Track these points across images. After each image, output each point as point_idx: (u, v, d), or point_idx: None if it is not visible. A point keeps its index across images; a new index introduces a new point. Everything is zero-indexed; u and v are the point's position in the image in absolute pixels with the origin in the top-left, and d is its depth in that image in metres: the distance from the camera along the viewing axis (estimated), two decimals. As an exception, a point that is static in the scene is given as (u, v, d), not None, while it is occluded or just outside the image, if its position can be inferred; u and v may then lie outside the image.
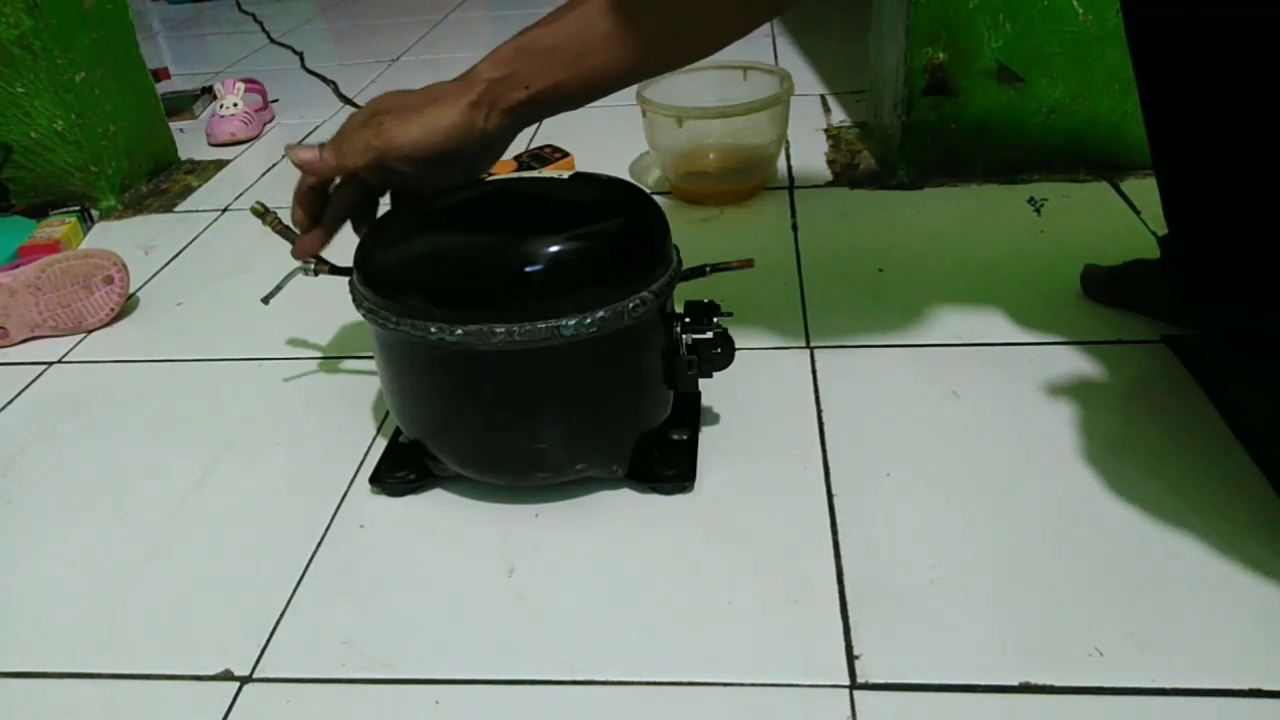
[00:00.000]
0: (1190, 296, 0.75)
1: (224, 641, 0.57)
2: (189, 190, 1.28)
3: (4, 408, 0.84)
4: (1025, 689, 0.50)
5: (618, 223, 0.61)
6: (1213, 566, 0.56)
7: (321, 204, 0.65)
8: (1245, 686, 0.49)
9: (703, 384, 0.69)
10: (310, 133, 1.47)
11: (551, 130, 1.27)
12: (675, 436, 0.68)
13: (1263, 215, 0.62)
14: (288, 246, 0.71)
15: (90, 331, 0.94)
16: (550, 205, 0.63)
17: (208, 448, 0.75)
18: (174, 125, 1.43)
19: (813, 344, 0.81)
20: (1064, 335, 0.79)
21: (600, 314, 0.57)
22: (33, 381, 0.87)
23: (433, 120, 0.58)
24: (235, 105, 1.46)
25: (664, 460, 0.66)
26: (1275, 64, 0.54)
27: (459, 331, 0.57)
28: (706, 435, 0.71)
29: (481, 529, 0.64)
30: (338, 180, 0.65)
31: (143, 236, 1.15)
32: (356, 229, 0.66)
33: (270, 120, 1.54)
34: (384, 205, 0.67)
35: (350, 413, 0.78)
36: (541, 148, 1.20)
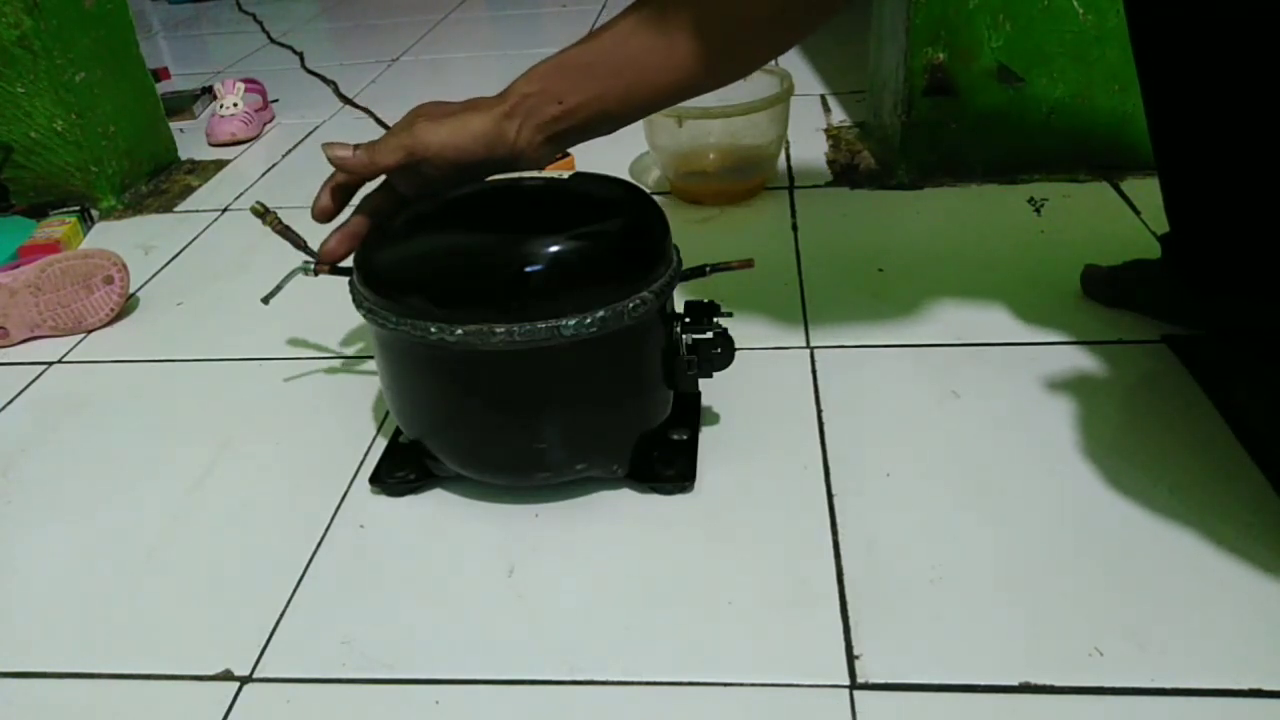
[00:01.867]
0: (1192, 294, 0.74)
1: (224, 641, 0.57)
2: (189, 190, 1.28)
3: (4, 408, 0.84)
4: (1025, 689, 0.50)
5: (618, 223, 0.61)
6: (1213, 566, 0.56)
7: (347, 199, 0.65)
8: (1245, 686, 0.49)
9: (703, 384, 0.69)
10: (310, 133, 1.47)
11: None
12: (675, 436, 0.68)
13: (1265, 209, 0.62)
14: (288, 246, 0.71)
15: (90, 331, 0.94)
16: (550, 205, 0.63)
17: (208, 448, 0.75)
18: (174, 125, 1.44)
19: (813, 344, 0.81)
20: (1064, 335, 0.79)
21: (600, 314, 0.57)
22: (33, 381, 0.87)
23: (463, 124, 0.58)
24: (235, 105, 1.46)
25: (664, 460, 0.66)
26: (1277, 58, 0.54)
27: (459, 331, 0.57)
28: (706, 435, 0.71)
29: (481, 529, 0.64)
30: (370, 186, 0.65)
31: (143, 236, 1.15)
32: None
33: (270, 120, 1.54)
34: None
35: (350, 413, 0.78)
36: (541, 148, 1.20)
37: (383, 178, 0.64)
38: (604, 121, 0.61)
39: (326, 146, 0.62)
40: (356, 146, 0.61)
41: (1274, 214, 0.62)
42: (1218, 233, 0.69)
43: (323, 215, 0.66)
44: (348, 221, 0.65)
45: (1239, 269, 0.69)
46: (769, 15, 0.59)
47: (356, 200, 0.66)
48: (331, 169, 0.64)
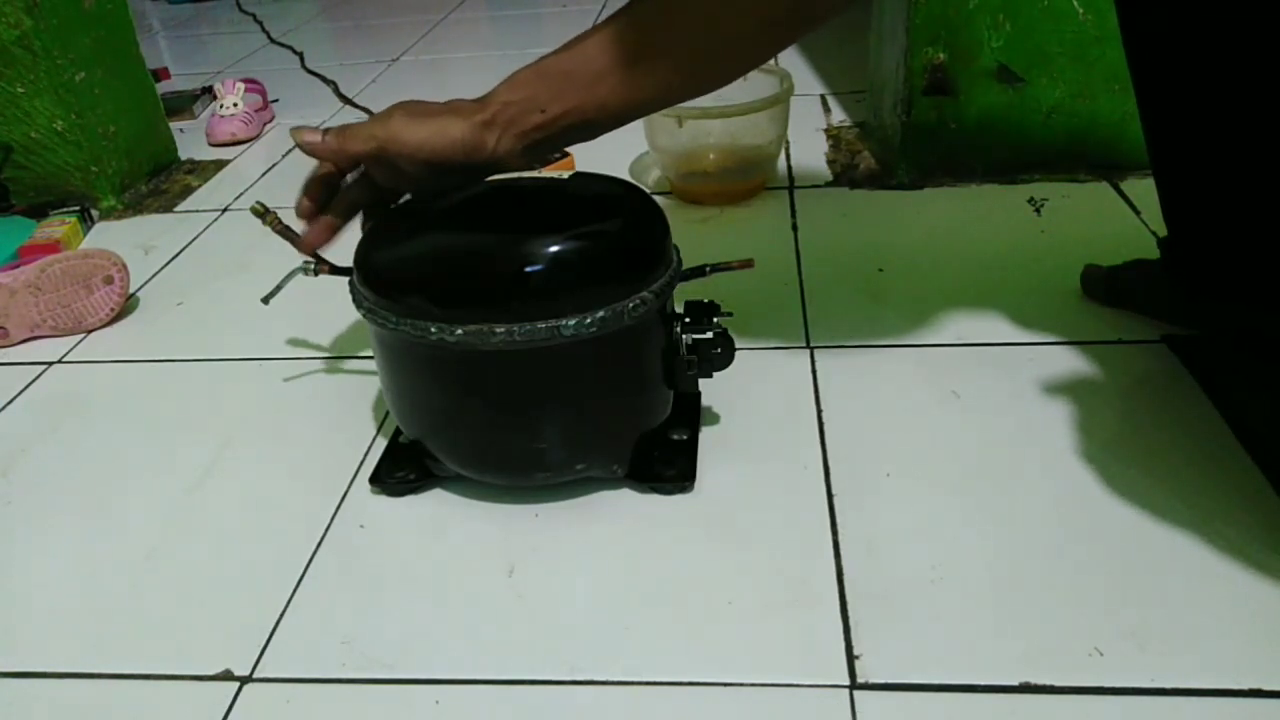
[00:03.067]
0: (1190, 298, 0.75)
1: (224, 641, 0.57)
2: (189, 190, 1.28)
3: (4, 408, 0.84)
4: (1025, 689, 0.50)
5: (618, 223, 0.61)
6: (1213, 566, 0.56)
7: (328, 196, 0.65)
8: (1245, 686, 0.49)
9: (703, 384, 0.69)
10: (310, 133, 1.47)
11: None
12: (675, 436, 0.68)
13: (1261, 215, 0.62)
14: (288, 246, 0.71)
15: (90, 331, 0.94)
16: (550, 205, 0.63)
17: (208, 448, 0.75)
18: (174, 125, 1.44)
19: (813, 344, 0.81)
20: (1064, 335, 0.79)
21: (600, 314, 0.57)
22: (33, 381, 0.87)
23: (441, 127, 0.58)
24: (235, 105, 1.46)
25: (664, 460, 0.66)
26: (1272, 63, 0.54)
27: (459, 331, 0.57)
28: (706, 435, 0.71)
29: (481, 529, 0.64)
30: (349, 177, 0.65)
31: (143, 236, 1.15)
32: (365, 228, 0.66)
33: (270, 120, 1.54)
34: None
35: (350, 413, 0.78)
36: (541, 148, 1.19)
37: (361, 169, 0.64)
38: (584, 129, 0.60)
39: (295, 131, 0.61)
40: (326, 131, 0.61)
41: (1271, 221, 0.62)
42: (1215, 239, 0.69)
43: (305, 214, 0.66)
44: (327, 211, 0.65)
45: (1236, 276, 0.69)
46: (749, 29, 0.59)
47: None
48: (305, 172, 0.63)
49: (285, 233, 0.71)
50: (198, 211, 1.22)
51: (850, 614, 0.55)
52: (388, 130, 0.58)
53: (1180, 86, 0.63)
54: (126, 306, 0.97)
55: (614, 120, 0.61)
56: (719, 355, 0.65)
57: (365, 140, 0.59)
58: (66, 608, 0.61)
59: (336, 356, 0.86)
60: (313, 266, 0.72)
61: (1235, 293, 0.70)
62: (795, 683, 0.52)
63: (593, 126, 0.60)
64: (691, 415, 0.71)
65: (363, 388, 0.81)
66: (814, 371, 0.78)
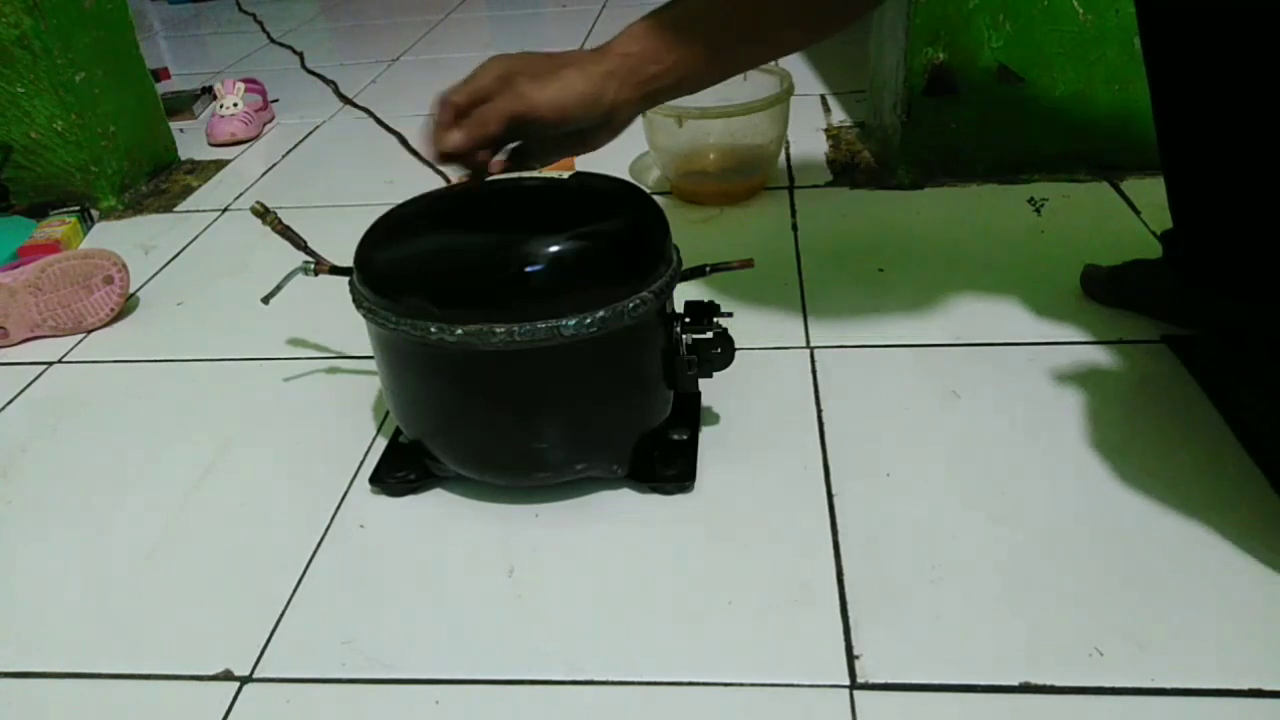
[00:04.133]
0: (1192, 293, 0.74)
1: (224, 641, 0.57)
2: (189, 190, 1.28)
3: (4, 408, 0.84)
4: (1025, 689, 0.50)
5: (618, 223, 0.61)
6: (1213, 566, 0.56)
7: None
8: (1245, 686, 0.49)
9: (703, 384, 0.69)
10: (310, 133, 1.47)
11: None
12: (675, 436, 0.68)
13: (1269, 208, 0.62)
14: (288, 246, 0.71)
15: (90, 331, 0.94)
16: (550, 205, 0.63)
17: (208, 448, 0.75)
18: (174, 125, 1.44)
19: (813, 344, 0.81)
20: (1064, 335, 0.79)
21: (600, 314, 0.57)
22: (33, 381, 0.87)
23: (568, 83, 0.58)
24: (235, 105, 1.46)
25: (664, 460, 0.66)
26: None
27: (459, 331, 0.57)
28: (706, 435, 0.71)
29: (481, 529, 0.64)
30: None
31: (143, 236, 1.15)
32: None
33: (270, 120, 1.54)
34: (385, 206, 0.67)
35: (350, 413, 0.78)
36: (541, 148, 1.19)
37: None
38: (695, 82, 0.61)
39: (432, 139, 0.58)
40: (454, 126, 0.58)
41: (1277, 213, 0.62)
42: (1220, 230, 0.69)
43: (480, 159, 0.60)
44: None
45: (1240, 271, 0.69)
46: None
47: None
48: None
49: (285, 233, 0.71)
50: (198, 211, 1.22)
51: (850, 614, 0.55)
52: (521, 101, 0.57)
53: (1194, 73, 0.63)
54: (126, 306, 0.97)
55: (724, 71, 0.62)
56: (719, 355, 0.65)
57: (502, 120, 0.57)
58: (66, 608, 0.61)
59: (336, 356, 0.86)
60: (313, 266, 0.72)
61: (1238, 289, 0.70)
62: (795, 683, 0.52)
63: (702, 79, 0.62)
64: (691, 415, 0.71)
65: (363, 388, 0.81)
66: (814, 371, 0.78)
